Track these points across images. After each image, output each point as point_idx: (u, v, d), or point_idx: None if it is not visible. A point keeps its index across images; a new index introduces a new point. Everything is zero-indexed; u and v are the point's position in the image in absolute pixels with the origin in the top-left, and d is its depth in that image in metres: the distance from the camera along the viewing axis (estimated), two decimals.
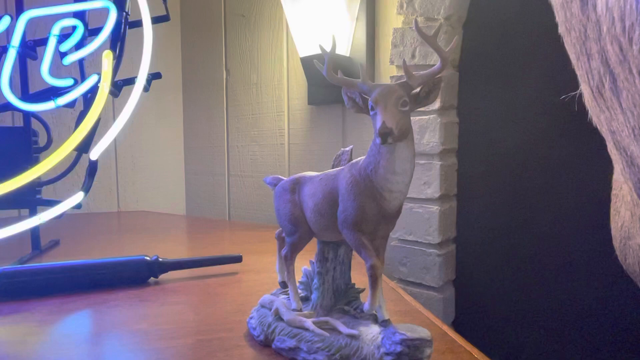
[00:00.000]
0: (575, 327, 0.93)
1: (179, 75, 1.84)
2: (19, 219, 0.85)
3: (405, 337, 0.39)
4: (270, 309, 0.51)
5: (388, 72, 1.14)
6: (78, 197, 0.85)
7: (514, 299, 1.01)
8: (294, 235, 0.49)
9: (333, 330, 0.45)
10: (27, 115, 0.89)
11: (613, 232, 0.61)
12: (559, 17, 0.41)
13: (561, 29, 0.40)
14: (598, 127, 0.40)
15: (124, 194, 1.71)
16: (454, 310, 1.09)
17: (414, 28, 0.58)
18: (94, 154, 0.85)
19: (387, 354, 0.40)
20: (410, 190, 1.05)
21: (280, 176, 0.54)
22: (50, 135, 0.93)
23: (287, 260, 0.51)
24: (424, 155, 1.04)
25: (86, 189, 0.86)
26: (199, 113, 1.78)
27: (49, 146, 0.94)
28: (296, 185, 0.49)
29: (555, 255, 0.94)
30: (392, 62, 1.10)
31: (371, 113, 0.41)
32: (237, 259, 0.78)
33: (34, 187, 0.89)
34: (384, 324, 0.44)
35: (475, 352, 0.47)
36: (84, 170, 0.87)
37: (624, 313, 0.87)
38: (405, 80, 0.40)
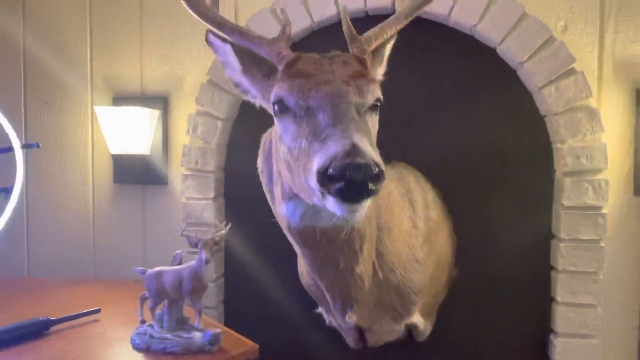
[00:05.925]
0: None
1: None
2: None
3: (211, 333, 1.04)
4: (145, 334, 1.07)
5: (180, 171, 1.72)
6: None
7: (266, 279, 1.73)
8: (157, 298, 1.08)
9: (180, 337, 1.05)
10: None
11: None
12: None
13: None
14: None
15: None
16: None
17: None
18: None
19: (206, 341, 1.04)
20: None
21: (146, 268, 1.10)
22: None
23: (153, 310, 1.08)
24: None
25: None
26: None
27: None
28: (159, 273, 1.08)
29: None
30: (182, 165, 1.69)
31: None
32: (97, 311, 1.26)
33: None
34: (203, 331, 1.07)
35: (237, 335, 1.15)
36: None
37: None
38: None
